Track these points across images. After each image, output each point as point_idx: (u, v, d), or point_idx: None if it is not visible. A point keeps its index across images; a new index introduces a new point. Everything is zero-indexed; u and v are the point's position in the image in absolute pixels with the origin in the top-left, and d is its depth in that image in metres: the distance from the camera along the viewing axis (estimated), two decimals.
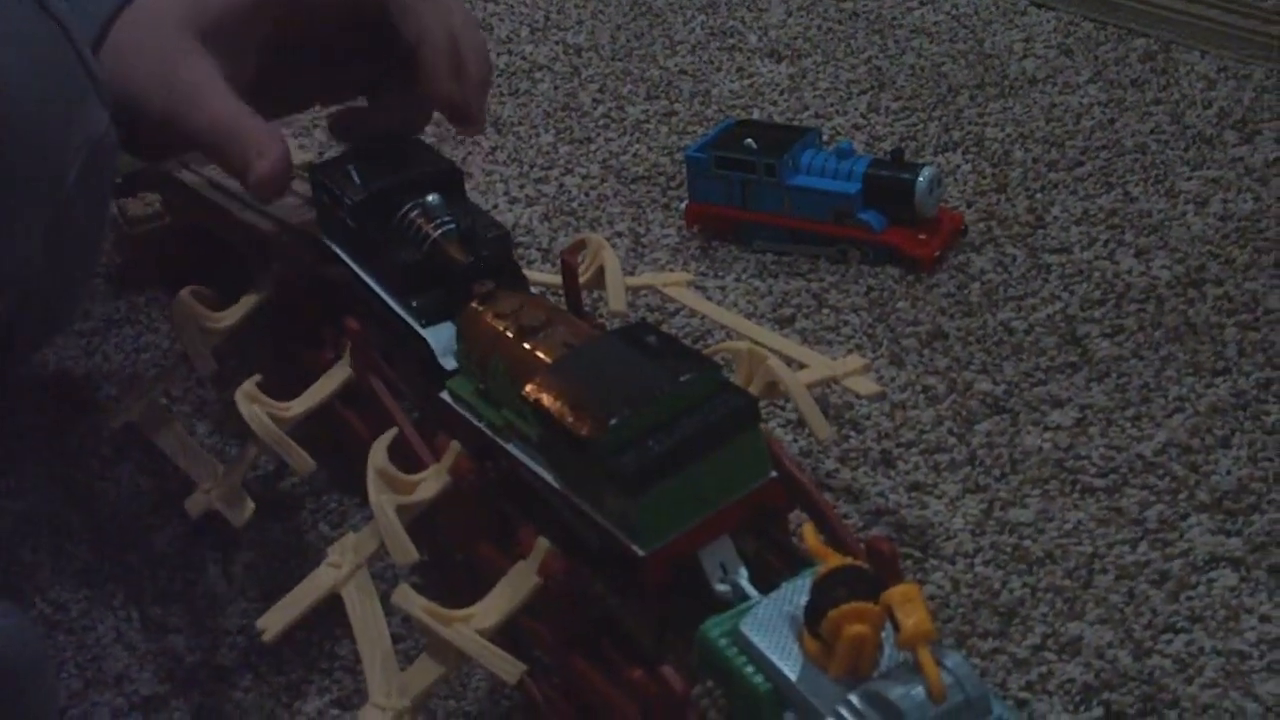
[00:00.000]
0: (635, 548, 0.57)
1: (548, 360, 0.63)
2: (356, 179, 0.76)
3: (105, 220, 0.75)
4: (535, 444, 0.63)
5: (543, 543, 0.59)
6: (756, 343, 0.78)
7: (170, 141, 0.76)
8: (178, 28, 0.74)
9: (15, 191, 0.63)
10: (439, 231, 0.73)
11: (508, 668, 0.58)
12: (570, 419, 0.58)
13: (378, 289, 0.75)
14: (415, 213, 0.74)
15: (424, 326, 0.72)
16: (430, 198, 0.74)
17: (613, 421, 0.57)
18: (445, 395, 0.69)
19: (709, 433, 0.58)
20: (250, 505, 0.74)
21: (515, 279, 0.73)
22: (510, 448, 0.65)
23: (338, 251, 0.79)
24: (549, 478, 0.62)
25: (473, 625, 0.59)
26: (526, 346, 0.64)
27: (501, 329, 0.66)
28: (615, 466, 0.56)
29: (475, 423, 0.67)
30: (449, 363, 0.70)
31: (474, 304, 0.68)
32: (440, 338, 0.71)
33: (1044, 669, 0.67)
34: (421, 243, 0.73)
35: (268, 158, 0.72)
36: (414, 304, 0.73)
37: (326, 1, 0.78)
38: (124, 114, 0.71)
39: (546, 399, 0.60)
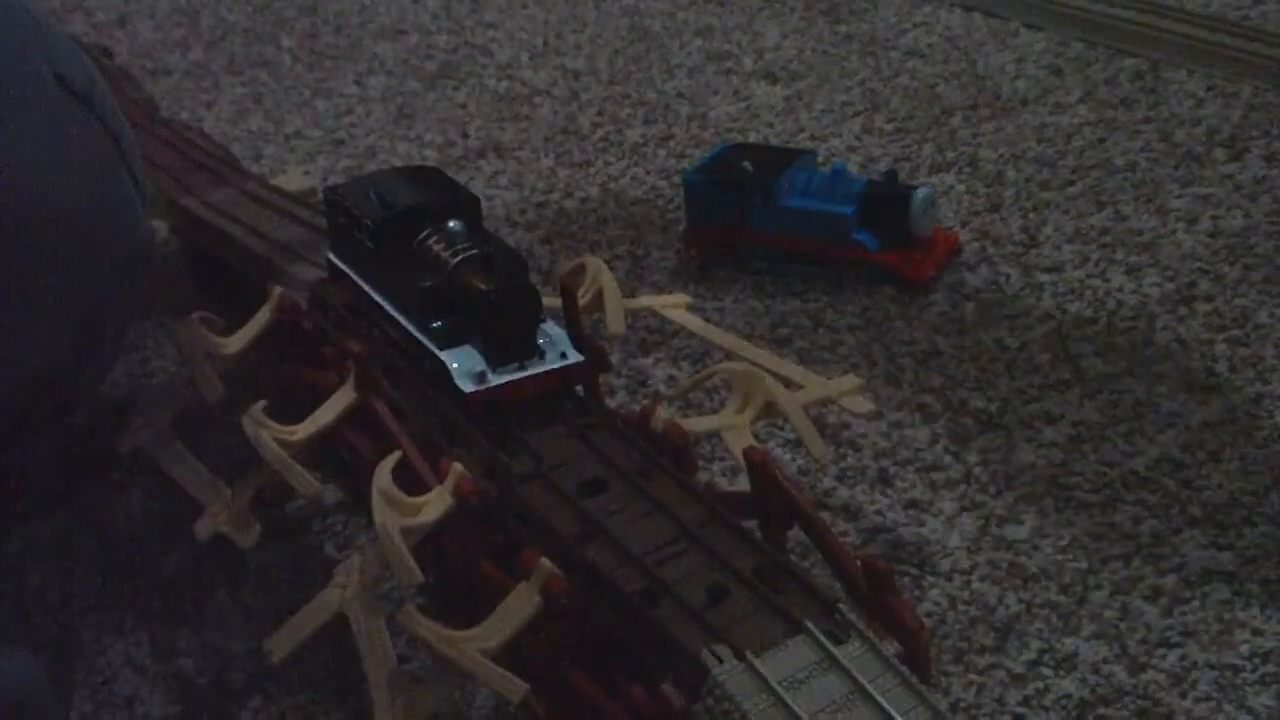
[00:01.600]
0: None
1: None
2: (376, 201, 0.77)
3: (133, 319, 0.76)
4: None
5: (545, 564, 0.60)
6: (753, 364, 0.79)
7: None
8: None
9: (49, 294, 0.64)
10: (459, 258, 0.74)
11: (511, 687, 0.59)
12: None
13: (393, 311, 0.76)
14: (436, 238, 0.75)
15: (442, 350, 0.73)
16: (451, 224, 0.75)
17: None
18: None
19: None
20: (257, 528, 0.75)
21: (533, 304, 0.75)
22: None
23: (350, 273, 0.80)
24: None
25: (476, 645, 0.60)
26: None
27: None
28: None
29: None
30: (466, 385, 0.71)
31: None
32: (459, 361, 0.72)
33: (1040, 684, 0.68)
34: (442, 268, 0.74)
35: None
36: (433, 328, 0.74)
37: None
38: None
39: None
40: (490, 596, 0.63)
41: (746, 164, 1.01)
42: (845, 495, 0.80)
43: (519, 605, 0.61)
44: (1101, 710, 0.67)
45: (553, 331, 0.74)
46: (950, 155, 1.13)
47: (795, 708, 0.54)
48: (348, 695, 0.72)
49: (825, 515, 0.78)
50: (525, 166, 1.19)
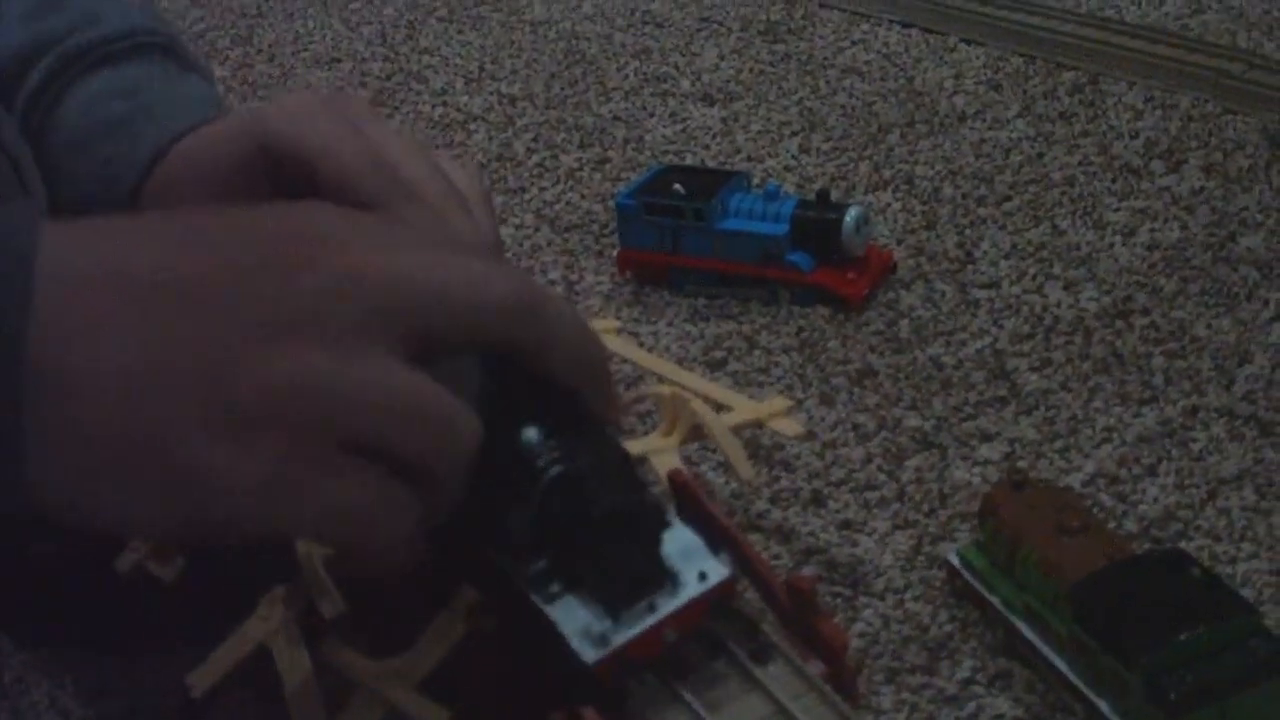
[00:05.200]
0: None
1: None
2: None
3: None
4: (1057, 636, 0.66)
5: (467, 591, 0.60)
6: (682, 387, 0.78)
7: None
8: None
9: None
10: (551, 472, 0.56)
11: (433, 716, 0.58)
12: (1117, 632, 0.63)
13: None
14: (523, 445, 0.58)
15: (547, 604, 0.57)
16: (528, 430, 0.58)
17: (1158, 646, 0.62)
18: (953, 558, 0.72)
19: (1248, 671, 0.61)
20: (180, 561, 0.74)
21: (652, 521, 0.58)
22: (1024, 630, 0.69)
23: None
24: (1067, 671, 0.66)
25: (399, 675, 0.59)
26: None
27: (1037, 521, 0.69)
28: (1156, 689, 0.61)
29: (985, 594, 0.71)
30: (587, 652, 0.55)
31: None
32: (570, 619, 0.56)
33: (974, 704, 0.67)
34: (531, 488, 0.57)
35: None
36: (534, 573, 0.57)
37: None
38: None
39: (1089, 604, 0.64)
40: (414, 627, 0.63)
41: (678, 187, 1.00)
42: (778, 517, 0.80)
43: (442, 635, 0.60)
44: None
45: (678, 540, 0.58)
46: (887, 173, 1.13)
47: None
48: None
49: (758, 539, 0.77)
50: None
